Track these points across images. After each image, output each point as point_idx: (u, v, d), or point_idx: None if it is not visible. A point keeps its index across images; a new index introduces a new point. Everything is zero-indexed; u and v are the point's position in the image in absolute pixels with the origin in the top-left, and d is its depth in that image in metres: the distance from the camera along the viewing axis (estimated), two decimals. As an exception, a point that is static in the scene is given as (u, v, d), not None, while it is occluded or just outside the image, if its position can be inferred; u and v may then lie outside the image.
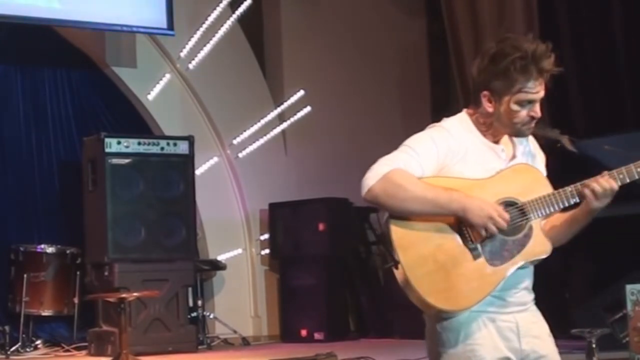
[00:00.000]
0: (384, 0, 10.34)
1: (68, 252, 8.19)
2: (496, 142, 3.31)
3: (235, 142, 9.44)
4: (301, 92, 9.58)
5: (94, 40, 8.99)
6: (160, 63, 9.22)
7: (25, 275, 7.93)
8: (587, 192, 3.20)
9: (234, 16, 9.34)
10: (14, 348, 7.76)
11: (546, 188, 3.26)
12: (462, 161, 3.22)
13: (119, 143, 7.92)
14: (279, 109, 9.64)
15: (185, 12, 9.07)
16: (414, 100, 10.25)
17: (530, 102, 3.22)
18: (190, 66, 9.26)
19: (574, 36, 8.21)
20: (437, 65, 10.36)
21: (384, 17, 10.28)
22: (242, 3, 9.36)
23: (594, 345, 5.36)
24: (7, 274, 8.17)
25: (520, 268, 3.21)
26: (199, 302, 8.42)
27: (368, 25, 10.15)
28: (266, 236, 9.35)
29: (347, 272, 9.29)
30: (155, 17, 8.69)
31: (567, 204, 3.23)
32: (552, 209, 3.22)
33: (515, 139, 3.34)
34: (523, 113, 3.23)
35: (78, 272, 8.15)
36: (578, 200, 3.23)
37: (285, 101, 9.63)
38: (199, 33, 9.21)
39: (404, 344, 7.47)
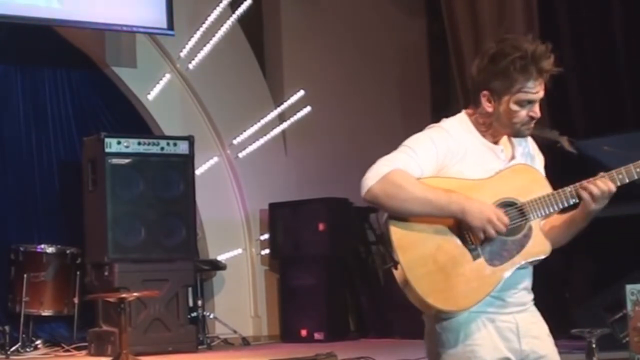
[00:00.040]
0: (384, 0, 10.34)
1: (68, 252, 8.19)
2: (495, 142, 3.31)
3: (235, 142, 9.44)
4: (301, 92, 9.58)
5: (94, 40, 8.99)
6: (160, 63, 9.22)
7: (25, 275, 7.93)
8: (585, 195, 3.20)
9: (234, 16, 9.34)
10: (14, 348, 7.76)
11: (545, 188, 3.26)
12: (461, 161, 3.22)
13: (119, 143, 7.92)
14: (279, 109, 9.64)
15: (185, 12, 9.08)
16: (414, 100, 10.25)
17: (530, 102, 3.22)
18: (190, 66, 9.26)
19: (574, 36, 8.21)
20: (437, 65, 10.36)
21: (384, 17, 10.28)
22: (242, 3, 9.36)
23: (594, 345, 5.36)
24: (7, 274, 8.17)
25: (519, 268, 3.21)
26: (199, 302, 8.42)
27: (368, 25, 10.15)
28: (266, 236, 9.36)
29: (347, 272, 9.29)
30: (155, 17, 8.69)
31: (566, 205, 3.23)
32: (551, 210, 3.22)
33: (514, 140, 3.34)
34: (523, 113, 3.23)
35: (78, 272, 8.15)
36: (577, 201, 3.24)
37: (285, 101, 9.63)
38: (199, 33, 9.21)
39: (404, 344, 7.46)
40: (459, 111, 3.36)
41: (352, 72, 9.97)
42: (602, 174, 3.22)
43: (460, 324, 3.19)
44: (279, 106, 9.64)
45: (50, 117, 8.96)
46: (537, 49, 3.18)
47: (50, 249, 8.17)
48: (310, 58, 9.80)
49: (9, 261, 8.16)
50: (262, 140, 9.49)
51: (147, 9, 8.70)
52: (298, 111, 9.63)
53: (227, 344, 8.57)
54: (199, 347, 8.07)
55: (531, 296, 3.32)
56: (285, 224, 9.16)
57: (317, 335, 8.76)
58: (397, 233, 3.14)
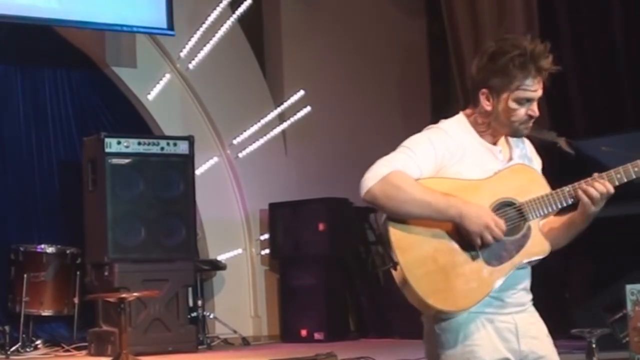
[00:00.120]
0: (384, 0, 10.34)
1: (68, 252, 8.19)
2: (494, 144, 3.31)
3: (235, 142, 9.44)
4: (301, 92, 9.58)
5: (94, 40, 8.99)
6: (160, 63, 9.22)
7: (25, 275, 7.93)
8: (584, 198, 3.20)
9: (234, 16, 9.34)
10: (14, 348, 7.76)
11: (544, 188, 3.26)
12: (459, 162, 3.22)
13: (119, 143, 7.92)
14: (279, 109, 9.64)
15: (185, 12, 9.08)
16: (414, 100, 10.25)
17: (529, 100, 3.23)
18: (190, 66, 9.26)
19: (574, 36, 8.21)
20: (437, 65, 10.35)
21: (384, 17, 10.28)
22: (242, 3, 9.36)
23: (594, 345, 5.36)
24: (7, 274, 8.17)
25: (518, 268, 3.21)
26: (199, 302, 8.42)
27: (368, 25, 10.15)
28: (266, 236, 9.36)
29: (347, 272, 9.29)
30: (155, 17, 8.69)
31: (565, 204, 3.24)
32: (550, 209, 3.23)
33: (512, 141, 3.35)
34: (521, 111, 3.24)
35: (78, 272, 8.16)
36: (576, 201, 3.24)
37: (285, 101, 9.63)
38: (199, 33, 9.21)
39: (403, 344, 7.46)
40: (458, 111, 3.37)
41: (352, 72, 9.97)
42: (596, 174, 3.22)
43: (459, 325, 3.19)
44: (279, 106, 9.64)
45: (50, 117, 8.96)
46: (536, 47, 3.20)
47: (50, 249, 8.17)
48: (310, 58, 9.80)
49: (9, 261, 8.16)
50: (262, 140, 9.49)
51: (147, 9, 8.70)
52: (298, 111, 9.63)
53: (227, 344, 8.58)
54: (199, 347, 8.07)
55: (530, 296, 3.32)
56: (285, 224, 9.17)
57: (317, 335, 8.76)
58: (396, 234, 3.14)
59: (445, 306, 3.14)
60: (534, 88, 3.22)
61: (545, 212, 3.22)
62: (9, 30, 8.42)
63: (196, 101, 9.38)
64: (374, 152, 3.35)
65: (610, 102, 7.98)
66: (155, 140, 8.17)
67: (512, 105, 3.23)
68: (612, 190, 3.21)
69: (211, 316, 8.89)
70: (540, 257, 3.25)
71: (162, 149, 8.09)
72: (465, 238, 3.14)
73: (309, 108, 9.61)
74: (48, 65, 8.99)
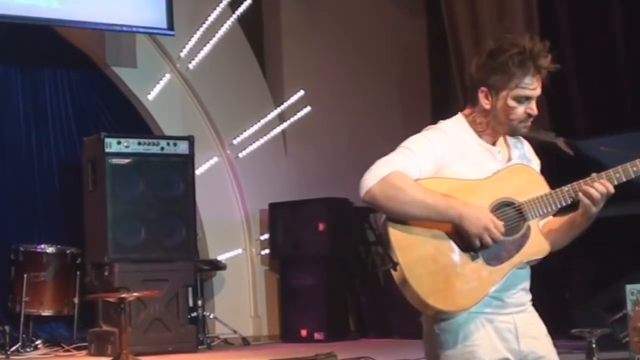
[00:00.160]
0: (384, 0, 10.34)
1: (68, 252, 8.19)
2: (493, 144, 3.32)
3: (235, 142, 9.44)
4: (301, 92, 9.58)
5: (94, 40, 8.99)
6: (160, 63, 9.22)
7: (25, 275, 7.93)
8: (584, 199, 3.20)
9: (234, 16, 9.34)
10: (14, 348, 7.76)
11: (543, 188, 3.26)
12: (459, 162, 3.23)
13: (119, 143, 7.92)
14: (279, 109, 9.64)
15: (185, 12, 9.08)
16: (414, 100, 10.25)
17: (528, 98, 3.24)
18: (190, 66, 9.26)
19: (574, 36, 8.21)
20: (437, 65, 10.35)
21: (384, 17, 10.28)
22: (242, 3, 9.37)
23: (594, 345, 5.36)
24: (7, 274, 8.17)
25: (518, 268, 3.21)
26: (199, 302, 8.42)
27: (368, 25, 10.14)
28: (266, 236, 9.36)
29: (347, 272, 9.29)
30: (155, 17, 8.69)
31: (564, 204, 3.24)
32: (549, 209, 3.23)
33: (511, 142, 3.36)
34: (520, 110, 3.24)
35: (78, 272, 8.15)
36: (575, 200, 3.23)
37: (285, 101, 9.63)
38: (199, 33, 9.21)
39: (403, 344, 7.46)
40: (458, 111, 3.37)
41: (352, 72, 9.97)
42: (594, 175, 3.22)
43: (459, 325, 3.19)
44: (279, 106, 9.64)
45: (50, 117, 8.96)
46: (535, 46, 3.21)
47: (50, 249, 8.17)
48: (310, 58, 9.80)
49: (9, 261, 8.16)
50: (262, 140, 9.49)
51: (147, 9, 8.70)
52: (298, 111, 9.63)
53: (227, 344, 8.57)
54: (199, 347, 8.07)
55: (529, 297, 3.32)
56: (285, 224, 9.16)
57: (317, 335, 8.76)
58: (396, 234, 3.14)
59: (445, 306, 3.14)
60: (533, 86, 3.23)
61: (545, 211, 3.22)
62: (9, 30, 8.42)
63: (196, 101, 9.38)
64: (374, 152, 3.35)
65: (610, 102, 7.98)
66: (155, 140, 8.17)
67: (511, 103, 3.23)
68: (612, 190, 3.21)
69: (211, 316, 8.89)
70: (540, 256, 3.25)
71: (162, 149, 8.09)
72: (465, 239, 3.14)
73: (309, 108, 9.61)
74: (48, 65, 8.99)
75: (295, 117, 9.63)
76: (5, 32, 8.41)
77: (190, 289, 8.21)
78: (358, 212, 9.04)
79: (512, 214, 3.20)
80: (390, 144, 3.31)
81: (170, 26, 8.70)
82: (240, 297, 9.35)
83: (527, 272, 3.30)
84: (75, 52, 9.00)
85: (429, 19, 10.42)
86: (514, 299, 3.25)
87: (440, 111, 3.32)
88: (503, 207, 3.20)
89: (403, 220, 3.14)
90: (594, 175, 3.22)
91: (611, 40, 8.02)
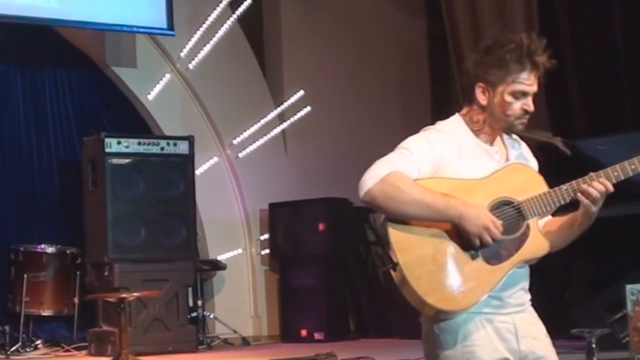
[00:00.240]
0: (384, 0, 10.34)
1: (68, 252, 8.19)
2: (490, 143, 3.32)
3: (235, 142, 9.44)
4: (301, 92, 9.58)
5: (94, 40, 8.99)
6: (160, 63, 9.22)
7: (25, 275, 7.93)
8: (584, 200, 3.20)
9: (234, 16, 9.34)
10: (14, 348, 7.76)
11: (542, 187, 3.27)
12: (457, 162, 3.23)
13: (119, 143, 7.92)
14: (279, 109, 9.64)
15: (185, 12, 9.08)
16: (414, 100, 10.25)
17: (524, 94, 3.25)
18: (190, 66, 9.26)
19: (574, 36, 8.21)
20: (437, 65, 10.35)
21: (384, 17, 10.28)
22: (242, 3, 9.37)
23: (594, 345, 5.36)
24: (7, 274, 8.17)
25: (517, 268, 3.22)
26: (199, 302, 8.42)
27: (368, 25, 10.14)
28: (266, 236, 9.36)
29: (347, 272, 9.29)
30: (155, 17, 8.69)
31: (563, 202, 3.24)
32: (548, 208, 3.23)
33: (508, 142, 3.36)
34: (516, 105, 3.25)
35: (78, 272, 8.15)
36: (574, 198, 3.23)
37: (285, 101, 9.63)
38: (199, 33, 9.21)
39: (403, 344, 7.46)
40: (458, 111, 3.37)
41: (352, 72, 9.97)
42: (591, 174, 3.22)
43: (458, 325, 3.19)
44: (279, 106, 9.64)
45: (50, 117, 8.96)
46: (532, 42, 3.24)
47: (50, 249, 8.17)
48: (310, 58, 9.80)
49: (9, 261, 8.16)
50: (262, 140, 9.49)
51: (147, 9, 8.70)
52: (298, 111, 9.63)
53: (227, 344, 8.57)
54: (199, 347, 8.07)
55: (528, 296, 3.33)
56: (285, 224, 9.17)
57: (317, 335, 8.76)
58: (396, 234, 3.14)
59: (445, 306, 3.14)
60: (530, 82, 3.24)
61: (544, 210, 3.23)
62: (9, 30, 8.42)
63: (196, 101, 9.39)
64: (374, 152, 3.35)
65: (610, 102, 7.98)
66: (155, 140, 8.17)
67: (508, 98, 3.24)
68: (611, 188, 3.21)
69: (211, 316, 8.89)
70: (539, 255, 3.26)
71: (162, 149, 8.09)
72: (465, 238, 3.15)
73: (309, 108, 9.61)
74: (48, 65, 8.99)
75: (295, 117, 9.63)
76: (5, 32, 8.41)
77: (190, 289, 8.21)
78: (358, 212, 9.04)
79: (512, 213, 3.20)
80: (390, 144, 3.31)
81: (170, 26, 8.71)
82: (240, 297, 9.35)
83: (526, 271, 3.31)
84: (75, 52, 9.00)
85: (429, 19, 10.42)
86: (514, 299, 3.25)
87: (440, 111, 3.31)
88: (502, 206, 3.21)
89: (402, 220, 3.14)
90: (592, 174, 3.23)
91: (611, 40, 8.02)
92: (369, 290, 9.29)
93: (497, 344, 3.21)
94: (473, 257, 3.16)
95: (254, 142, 9.46)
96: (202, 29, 9.21)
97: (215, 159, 9.39)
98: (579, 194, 3.21)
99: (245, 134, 9.43)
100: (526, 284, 3.31)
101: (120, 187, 7.87)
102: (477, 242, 3.13)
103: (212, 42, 9.25)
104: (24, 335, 7.86)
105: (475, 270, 3.15)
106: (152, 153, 8.04)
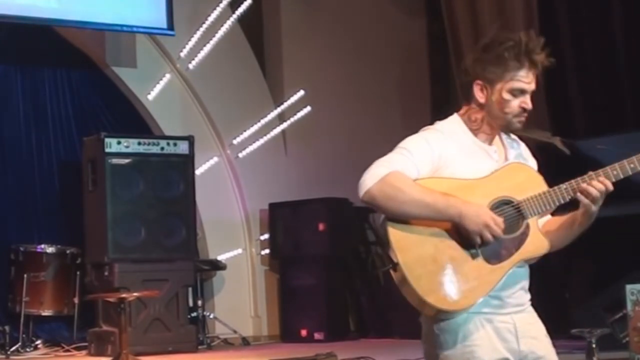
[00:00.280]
0: (384, 0, 10.34)
1: (68, 252, 8.19)
2: (489, 143, 3.32)
3: (235, 142, 9.44)
4: (301, 92, 9.58)
5: (94, 40, 8.99)
6: (160, 63, 9.22)
7: (25, 275, 7.93)
8: (584, 200, 3.20)
9: (234, 16, 9.34)
10: (14, 348, 7.76)
11: (541, 186, 3.27)
12: (456, 162, 3.23)
13: (119, 143, 7.92)
14: (279, 109, 9.64)
15: (185, 12, 9.08)
16: (414, 100, 10.25)
17: (522, 92, 3.25)
18: (190, 66, 9.26)
19: (574, 36, 8.21)
20: (437, 65, 10.35)
21: (384, 17, 10.28)
22: (242, 3, 9.37)
23: (594, 345, 5.36)
24: (7, 274, 8.17)
25: (517, 267, 3.21)
26: (199, 302, 8.42)
27: (368, 25, 10.15)
28: (266, 236, 9.36)
29: (347, 272, 9.29)
30: (155, 17, 8.69)
31: (562, 201, 3.24)
32: (547, 207, 3.23)
33: (507, 142, 3.36)
34: (514, 103, 3.26)
35: (78, 272, 8.15)
36: (574, 197, 3.23)
37: (285, 101, 9.63)
38: (199, 33, 9.21)
39: (403, 344, 7.46)
40: (458, 111, 3.38)
41: (352, 72, 9.97)
42: (590, 173, 3.22)
43: (458, 325, 3.19)
44: (279, 106, 9.64)
45: (50, 117, 8.96)
46: (530, 40, 3.24)
47: (50, 249, 8.17)
48: (310, 58, 9.80)
49: (9, 261, 8.16)
50: (262, 140, 9.49)
51: (147, 9, 8.70)
52: (298, 111, 9.63)
53: (227, 344, 8.58)
54: (199, 347, 8.07)
55: (528, 296, 3.32)
56: (285, 224, 9.17)
57: (317, 335, 8.76)
58: (396, 234, 3.14)
59: (445, 305, 3.13)
60: (528, 80, 3.25)
61: (543, 209, 3.23)
62: (9, 30, 8.42)
63: (196, 101, 9.39)
64: (374, 152, 3.35)
65: (610, 102, 7.98)
66: (155, 140, 8.17)
67: (506, 96, 3.25)
68: (611, 187, 3.21)
69: (211, 316, 8.89)
70: (539, 254, 3.26)
71: (162, 149, 8.09)
72: (465, 237, 3.15)
73: (309, 108, 9.61)
74: (48, 65, 8.99)
75: (295, 117, 9.63)
76: (5, 32, 8.41)
77: (190, 289, 8.21)
78: (358, 212, 9.04)
79: (511, 212, 3.20)
80: (390, 144, 3.31)
81: (170, 26, 8.71)
82: (240, 297, 9.35)
83: (526, 271, 3.31)
84: (75, 52, 9.00)
85: (429, 19, 10.42)
86: (514, 299, 3.25)
87: (440, 111, 3.31)
88: (502, 206, 3.21)
89: (402, 220, 3.14)
90: (591, 173, 3.23)
91: (611, 40, 8.01)
92: (369, 290, 9.29)
93: (497, 344, 3.21)
94: (473, 257, 3.16)
95: (254, 142, 9.46)
96: (202, 29, 9.21)
97: (215, 159, 9.39)
98: (578, 194, 3.21)
99: (245, 134, 9.43)
100: (526, 284, 3.31)
101: (120, 187, 7.87)
102: (478, 240, 3.13)
103: (212, 42, 9.25)
104: (24, 335, 7.86)
105: (475, 270, 3.15)
106: (152, 153, 8.04)
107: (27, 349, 7.87)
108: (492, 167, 3.27)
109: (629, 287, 5.81)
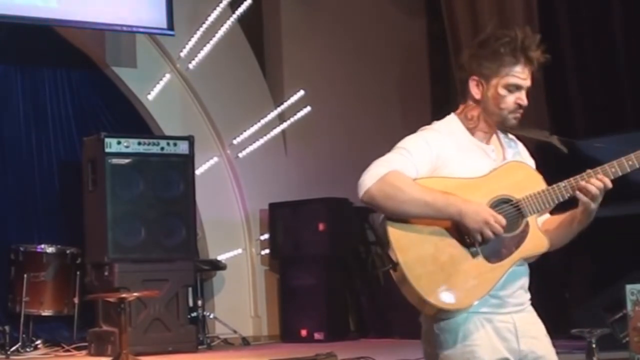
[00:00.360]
0: (384, 0, 10.34)
1: (68, 252, 8.19)
2: (487, 142, 3.32)
3: (235, 142, 9.44)
4: (301, 92, 9.58)
5: (94, 40, 8.99)
6: (160, 63, 9.22)
7: (25, 275, 7.93)
8: (583, 198, 3.20)
9: (234, 16, 9.34)
10: (14, 348, 7.76)
11: (540, 184, 3.27)
12: (454, 161, 3.23)
13: (119, 143, 7.92)
14: (279, 109, 9.64)
15: (185, 12, 9.08)
16: (414, 100, 10.25)
17: (518, 87, 3.26)
18: (190, 66, 9.26)
19: (574, 36, 8.21)
20: (437, 65, 10.36)
21: (384, 17, 10.28)
22: (242, 3, 9.37)
23: (594, 345, 5.36)
24: (7, 274, 8.17)
25: (517, 266, 3.21)
26: (199, 302, 8.42)
27: (368, 25, 10.15)
28: (266, 236, 9.36)
29: (347, 272, 9.29)
30: (155, 17, 8.69)
31: (562, 200, 3.24)
32: (547, 205, 3.24)
33: (504, 142, 3.37)
34: (510, 99, 3.26)
35: (78, 272, 8.16)
36: (573, 195, 3.23)
37: (285, 101, 9.63)
38: (199, 33, 9.21)
39: (403, 344, 7.47)
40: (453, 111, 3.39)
41: (352, 72, 9.97)
42: (589, 171, 3.23)
43: (458, 325, 3.19)
44: (279, 106, 9.65)
45: (50, 117, 8.96)
46: (526, 37, 3.25)
47: (50, 249, 8.17)
48: (310, 58, 9.80)
49: (9, 261, 8.16)
50: (262, 140, 9.49)
51: (147, 9, 8.70)
52: (298, 111, 9.63)
53: (227, 344, 8.58)
54: (199, 347, 8.07)
55: (528, 296, 3.32)
56: (285, 224, 9.17)
57: (317, 335, 8.76)
58: (395, 234, 3.14)
59: (445, 305, 3.13)
60: (524, 76, 3.25)
61: (543, 208, 3.23)
62: (9, 30, 8.43)
63: (196, 101, 9.39)
64: (374, 152, 3.35)
65: (610, 102, 7.98)
66: (155, 140, 8.17)
67: (502, 91, 3.25)
68: (609, 184, 3.21)
69: (211, 316, 8.89)
70: (539, 252, 3.25)
71: (162, 149, 8.10)
72: (465, 236, 3.15)
73: (309, 108, 9.61)
74: (48, 65, 9.00)
75: (295, 117, 9.63)
76: (5, 32, 8.42)
77: (190, 289, 8.21)
78: (358, 212, 9.03)
79: (511, 211, 3.20)
80: (390, 144, 3.31)
81: (170, 26, 8.71)
82: (240, 297, 9.35)
83: (525, 270, 3.31)
84: (75, 52, 9.00)
85: (429, 19, 10.42)
86: (514, 298, 3.25)
87: (440, 111, 3.31)
88: (501, 204, 3.20)
89: (402, 219, 3.14)
90: (589, 171, 3.23)
91: (611, 40, 8.02)
92: (369, 290, 9.29)
93: (497, 344, 3.20)
94: (473, 255, 3.16)
95: (254, 142, 9.46)
96: (202, 29, 9.21)
97: (215, 159, 9.39)
98: (577, 191, 3.21)
99: (245, 134, 9.43)
100: (526, 283, 3.31)
101: (120, 187, 7.87)
102: (479, 238, 3.13)
103: (212, 42, 9.25)
104: (24, 335, 7.87)
105: (475, 269, 3.14)
106: (152, 153, 8.04)
107: (27, 349, 7.87)
108: (490, 166, 3.27)
109: (629, 287, 5.81)
